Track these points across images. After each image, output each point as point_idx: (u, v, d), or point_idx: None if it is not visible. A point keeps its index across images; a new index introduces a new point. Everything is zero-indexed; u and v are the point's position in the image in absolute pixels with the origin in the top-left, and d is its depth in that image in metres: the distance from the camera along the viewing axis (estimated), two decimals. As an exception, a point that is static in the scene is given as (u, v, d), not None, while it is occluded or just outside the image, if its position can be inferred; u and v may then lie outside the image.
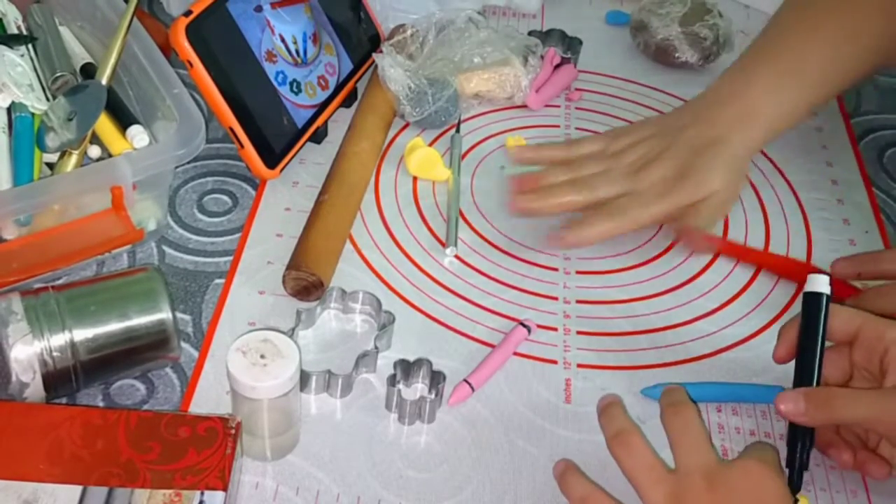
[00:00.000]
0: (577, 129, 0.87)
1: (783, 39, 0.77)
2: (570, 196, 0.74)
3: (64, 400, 0.61)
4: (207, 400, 0.62)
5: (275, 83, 0.77)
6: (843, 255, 0.71)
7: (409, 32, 0.86)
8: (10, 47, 0.76)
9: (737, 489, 0.51)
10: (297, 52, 0.80)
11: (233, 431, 0.55)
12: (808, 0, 0.78)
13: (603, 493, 0.54)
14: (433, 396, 0.62)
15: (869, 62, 0.77)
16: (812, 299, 0.59)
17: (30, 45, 0.78)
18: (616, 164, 0.74)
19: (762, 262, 0.75)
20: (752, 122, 0.74)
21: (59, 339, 0.58)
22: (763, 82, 0.74)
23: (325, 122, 0.82)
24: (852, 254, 0.72)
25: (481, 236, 0.76)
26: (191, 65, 0.72)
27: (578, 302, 0.71)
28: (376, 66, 0.83)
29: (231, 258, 0.72)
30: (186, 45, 0.71)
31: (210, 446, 0.54)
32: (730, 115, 0.74)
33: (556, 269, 0.74)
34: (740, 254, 0.76)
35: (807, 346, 0.58)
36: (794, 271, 0.74)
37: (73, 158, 0.70)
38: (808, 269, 0.73)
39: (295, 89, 0.79)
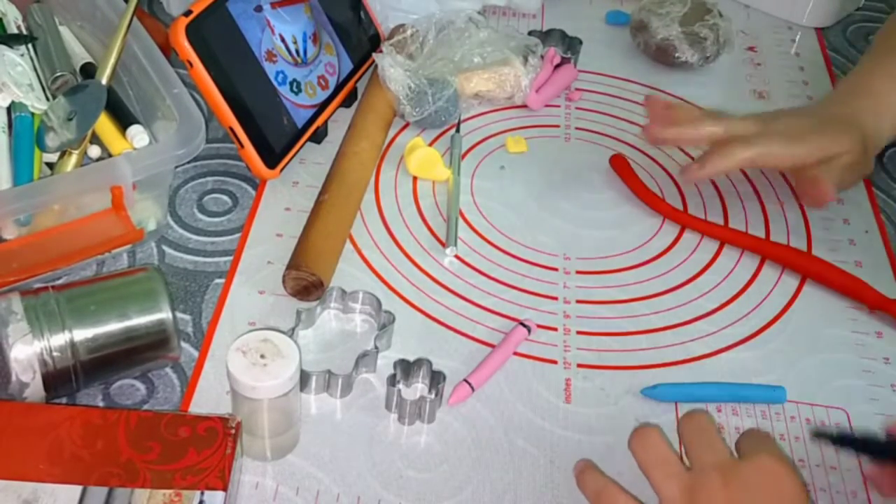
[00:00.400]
0: (577, 128, 0.87)
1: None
2: (709, 126, 0.75)
3: (64, 400, 0.61)
4: (207, 400, 0.62)
5: (275, 83, 0.77)
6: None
7: (409, 32, 0.86)
8: (10, 47, 0.76)
9: (753, 485, 0.51)
10: (297, 51, 0.80)
11: (233, 431, 0.55)
12: None
13: (617, 487, 0.54)
14: (433, 396, 0.62)
15: None
16: None
17: (30, 45, 0.78)
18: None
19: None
20: (881, 114, 0.77)
21: (59, 339, 0.58)
22: (888, 77, 0.78)
23: (325, 122, 0.82)
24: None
25: (481, 236, 0.76)
26: (191, 65, 0.72)
27: (578, 302, 0.71)
28: (376, 66, 0.83)
29: (231, 258, 0.72)
30: (186, 44, 0.71)
31: (210, 446, 0.54)
32: (861, 103, 0.77)
33: (556, 269, 0.74)
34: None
35: None
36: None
37: (73, 158, 0.70)
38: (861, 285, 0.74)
39: (295, 89, 0.79)
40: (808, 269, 0.74)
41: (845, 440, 0.60)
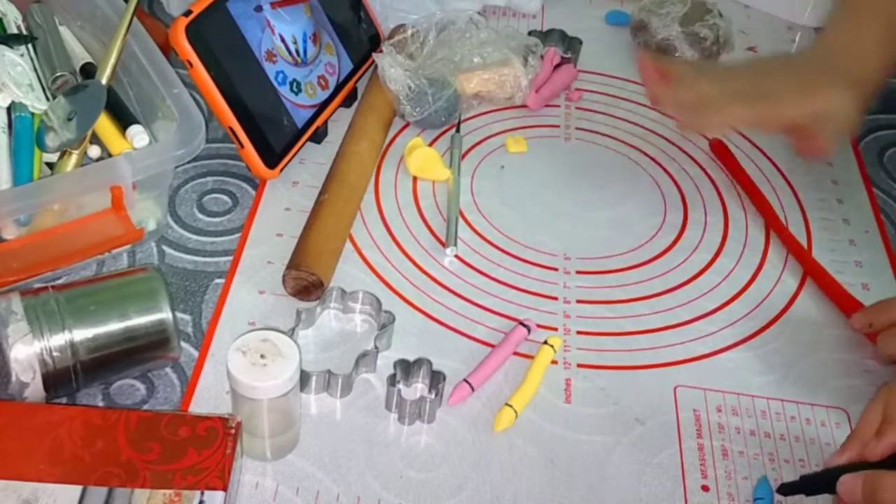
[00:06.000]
0: (577, 128, 0.87)
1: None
2: (704, 86, 0.74)
3: (64, 400, 0.61)
4: (207, 400, 0.62)
5: (275, 83, 0.77)
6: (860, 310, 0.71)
7: (409, 32, 0.86)
8: (10, 47, 0.76)
9: None
10: (297, 51, 0.80)
11: (233, 431, 0.55)
12: None
13: None
14: (433, 396, 0.62)
15: None
16: None
17: (30, 45, 0.78)
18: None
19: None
20: (863, 69, 0.75)
21: (59, 339, 0.58)
22: (869, 36, 0.76)
23: (325, 122, 0.82)
24: (865, 307, 0.71)
25: (481, 236, 0.76)
26: (191, 65, 0.72)
27: (578, 302, 0.71)
28: (376, 66, 0.83)
29: (231, 258, 0.72)
30: (186, 44, 0.71)
31: (210, 446, 0.54)
32: (842, 61, 0.75)
33: (556, 269, 0.74)
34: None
35: None
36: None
37: (73, 158, 0.70)
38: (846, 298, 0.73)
39: (295, 89, 0.79)
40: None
41: (791, 489, 0.60)
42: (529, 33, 0.92)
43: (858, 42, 0.76)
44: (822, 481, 0.58)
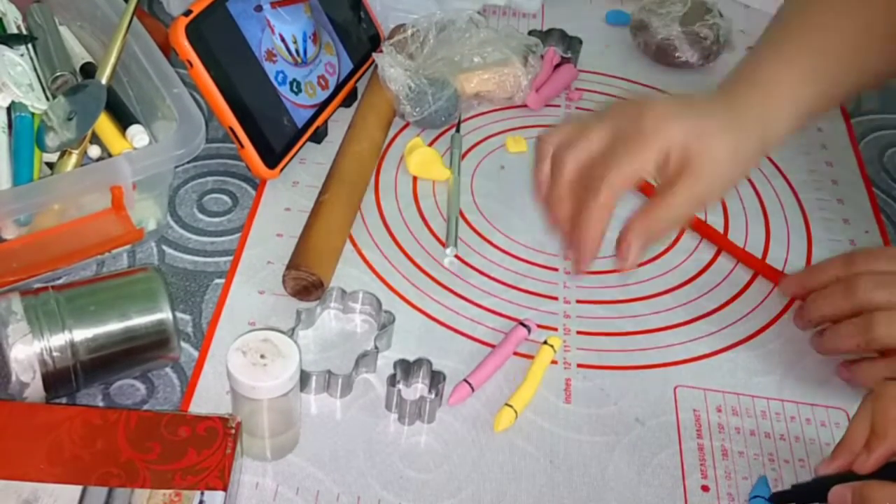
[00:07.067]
0: (577, 128, 0.87)
1: (794, 42, 0.71)
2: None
3: (64, 400, 0.61)
4: (207, 400, 0.62)
5: (275, 83, 0.77)
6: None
7: (409, 32, 0.86)
8: (10, 47, 0.76)
9: None
10: (297, 51, 0.80)
11: (233, 431, 0.55)
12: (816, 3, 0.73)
13: None
14: (433, 396, 0.62)
15: (880, 67, 0.74)
16: None
17: (30, 45, 0.78)
18: None
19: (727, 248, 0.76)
20: (777, 110, 0.67)
21: (59, 339, 0.58)
22: (782, 87, 0.68)
23: (325, 122, 0.82)
24: (794, 274, 0.70)
25: (481, 236, 0.76)
26: (191, 64, 0.72)
27: (578, 302, 0.71)
28: (376, 66, 0.83)
29: (231, 258, 0.72)
30: (186, 44, 0.71)
31: (210, 446, 0.54)
32: (756, 101, 0.67)
33: (556, 269, 0.74)
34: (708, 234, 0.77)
35: None
36: (755, 265, 0.75)
37: (73, 158, 0.70)
38: (768, 268, 0.74)
39: (295, 89, 0.79)
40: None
41: (783, 498, 0.60)
42: (529, 33, 0.92)
43: (770, 97, 0.68)
44: (812, 491, 0.58)
